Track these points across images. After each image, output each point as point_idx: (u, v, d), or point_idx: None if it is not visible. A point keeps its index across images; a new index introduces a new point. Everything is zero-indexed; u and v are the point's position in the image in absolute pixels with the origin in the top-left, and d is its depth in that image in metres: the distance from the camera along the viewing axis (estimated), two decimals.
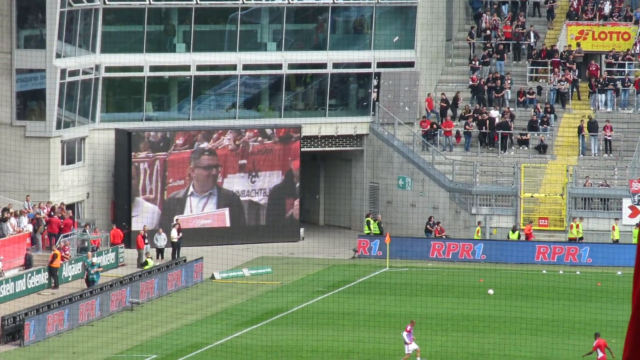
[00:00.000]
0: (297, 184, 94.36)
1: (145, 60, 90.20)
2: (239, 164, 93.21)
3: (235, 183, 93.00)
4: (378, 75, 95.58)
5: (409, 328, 65.14)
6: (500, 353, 65.59)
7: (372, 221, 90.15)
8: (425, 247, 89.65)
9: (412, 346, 63.82)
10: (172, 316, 72.62)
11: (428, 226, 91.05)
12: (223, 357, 65.79)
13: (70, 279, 77.66)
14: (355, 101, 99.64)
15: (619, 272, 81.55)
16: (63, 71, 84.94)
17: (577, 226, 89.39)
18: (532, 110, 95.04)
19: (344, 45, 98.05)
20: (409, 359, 64.54)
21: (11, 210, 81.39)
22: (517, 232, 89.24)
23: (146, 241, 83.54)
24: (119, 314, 72.09)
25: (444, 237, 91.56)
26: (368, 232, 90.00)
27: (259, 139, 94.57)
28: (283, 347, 67.36)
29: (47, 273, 76.63)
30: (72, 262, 79.11)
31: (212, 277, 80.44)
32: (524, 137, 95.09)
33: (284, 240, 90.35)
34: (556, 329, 70.53)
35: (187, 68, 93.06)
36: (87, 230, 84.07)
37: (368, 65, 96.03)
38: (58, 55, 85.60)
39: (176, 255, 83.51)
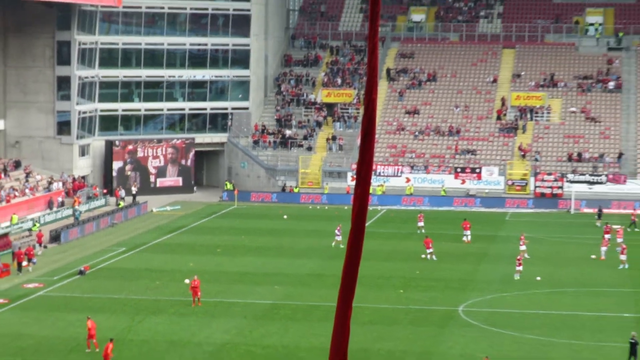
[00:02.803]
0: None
1: None
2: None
3: None
4: (232, 114, 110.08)
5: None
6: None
7: (228, 183, 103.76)
8: (250, 195, 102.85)
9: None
10: (132, 230, 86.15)
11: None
12: (161, 250, 77.97)
13: (88, 211, 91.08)
14: (221, 125, 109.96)
15: (346, 207, 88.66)
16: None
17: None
18: (308, 129, 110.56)
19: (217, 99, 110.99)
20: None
21: (55, 179, 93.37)
22: (297, 188, 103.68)
23: (121, 194, 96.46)
24: (106, 229, 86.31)
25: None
26: (227, 188, 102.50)
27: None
28: (187, 244, 79.88)
29: (72, 210, 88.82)
30: (84, 203, 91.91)
31: (152, 211, 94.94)
32: (303, 143, 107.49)
33: (186, 192, 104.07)
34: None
35: None
36: (95, 190, 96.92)
37: (226, 108, 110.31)
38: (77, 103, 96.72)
39: (134, 200, 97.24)
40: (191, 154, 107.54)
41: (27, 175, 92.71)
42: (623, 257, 71.74)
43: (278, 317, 57.90)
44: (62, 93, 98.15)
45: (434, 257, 74.40)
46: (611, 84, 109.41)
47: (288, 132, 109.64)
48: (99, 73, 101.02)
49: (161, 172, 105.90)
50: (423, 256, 74.45)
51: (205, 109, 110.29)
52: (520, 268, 67.82)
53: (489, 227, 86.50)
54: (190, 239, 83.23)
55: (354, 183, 11.78)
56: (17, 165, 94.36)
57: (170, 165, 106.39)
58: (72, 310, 57.80)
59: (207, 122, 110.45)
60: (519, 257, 69.55)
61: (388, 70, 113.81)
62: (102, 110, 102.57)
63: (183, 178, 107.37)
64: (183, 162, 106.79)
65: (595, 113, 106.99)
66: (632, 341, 48.36)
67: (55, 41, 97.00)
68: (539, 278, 67.10)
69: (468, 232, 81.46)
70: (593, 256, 73.79)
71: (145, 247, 79.56)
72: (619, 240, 76.40)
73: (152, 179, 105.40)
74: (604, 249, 74.01)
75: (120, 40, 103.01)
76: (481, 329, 55.10)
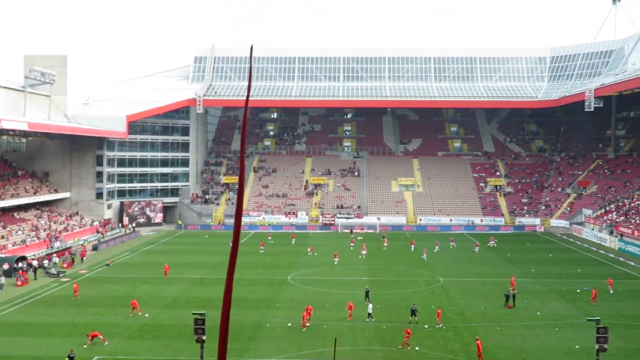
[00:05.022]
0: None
1: None
2: None
3: None
4: (181, 188, 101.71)
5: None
6: None
7: (179, 221, 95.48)
8: (188, 226, 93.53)
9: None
10: (132, 244, 78.05)
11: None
12: (147, 253, 70.96)
13: (111, 235, 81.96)
14: (176, 194, 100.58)
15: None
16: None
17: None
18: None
19: (174, 181, 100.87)
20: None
21: (94, 220, 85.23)
22: (212, 222, 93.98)
23: (128, 225, 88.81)
24: (120, 244, 78.24)
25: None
26: (178, 223, 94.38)
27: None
28: (159, 250, 73.22)
29: (101, 235, 80.00)
30: (109, 232, 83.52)
31: (142, 234, 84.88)
32: (214, 201, 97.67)
33: (157, 225, 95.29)
34: None
35: None
36: (114, 225, 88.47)
37: (178, 186, 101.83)
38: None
39: (133, 229, 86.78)
40: (159, 207, 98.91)
41: (81, 219, 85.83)
42: (363, 252, 70.09)
43: (203, 284, 54.30)
44: (98, 179, 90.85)
45: (262, 248, 72.37)
46: (356, 173, 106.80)
47: (207, 196, 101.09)
48: (116, 170, 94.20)
49: (146, 216, 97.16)
50: (261, 250, 72.14)
51: (168, 186, 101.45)
52: (365, 252, 67.81)
53: (301, 239, 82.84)
54: (161, 247, 76.18)
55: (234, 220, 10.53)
56: (76, 214, 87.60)
57: (153, 213, 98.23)
58: (103, 283, 54.64)
59: (169, 192, 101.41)
60: (363, 246, 69.18)
61: (254, 167, 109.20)
62: (118, 188, 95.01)
63: (157, 218, 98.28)
64: (155, 211, 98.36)
65: (348, 186, 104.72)
66: (367, 290, 47.29)
67: (95, 154, 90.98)
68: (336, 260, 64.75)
69: (293, 240, 79.45)
70: (362, 254, 69.93)
71: (139, 251, 72.78)
72: (385, 240, 74.71)
73: (143, 219, 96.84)
74: (364, 252, 70.47)
75: (127, 154, 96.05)
76: (299, 287, 53.27)
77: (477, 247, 72.86)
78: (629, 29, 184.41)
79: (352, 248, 74.59)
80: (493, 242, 76.43)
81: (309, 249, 70.89)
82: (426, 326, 38.92)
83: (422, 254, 67.30)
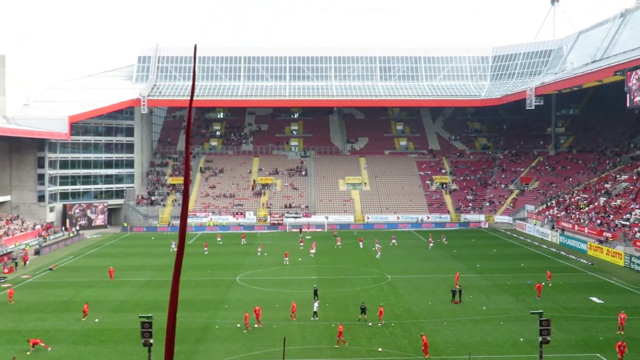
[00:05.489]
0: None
1: None
2: None
3: None
4: (126, 190, 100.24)
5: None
6: None
7: (125, 223, 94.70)
8: (133, 228, 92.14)
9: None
10: (76, 247, 76.53)
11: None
12: (92, 256, 69.55)
13: (54, 239, 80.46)
14: (121, 195, 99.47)
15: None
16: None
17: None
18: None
19: (119, 183, 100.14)
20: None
21: (37, 224, 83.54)
22: (158, 224, 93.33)
23: (72, 229, 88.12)
24: (63, 247, 76.81)
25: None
26: (124, 225, 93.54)
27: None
28: (104, 253, 72.53)
29: (44, 239, 78.62)
30: (51, 235, 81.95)
31: (86, 237, 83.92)
32: (161, 203, 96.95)
33: (103, 228, 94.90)
34: None
35: None
36: (57, 229, 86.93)
37: (123, 187, 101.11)
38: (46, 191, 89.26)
39: (77, 232, 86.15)
40: (100, 209, 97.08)
41: (22, 222, 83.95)
42: (313, 250, 69.99)
43: (150, 286, 53.50)
44: (40, 182, 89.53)
45: (206, 250, 71.13)
46: (303, 172, 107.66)
47: (153, 198, 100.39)
48: (59, 172, 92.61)
49: (87, 218, 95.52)
50: (205, 252, 70.84)
51: (113, 187, 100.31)
52: (314, 250, 67.57)
53: (250, 239, 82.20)
54: (106, 250, 74.94)
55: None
56: (17, 217, 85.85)
57: (94, 215, 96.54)
58: (46, 288, 53.47)
59: (114, 194, 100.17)
60: (313, 245, 68.68)
61: (201, 168, 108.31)
62: (60, 190, 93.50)
63: (98, 220, 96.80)
64: (100, 214, 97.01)
65: (296, 186, 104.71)
66: (315, 289, 47.40)
67: (36, 156, 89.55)
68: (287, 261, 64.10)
69: (243, 241, 78.85)
70: (312, 252, 70.04)
71: (84, 255, 71.45)
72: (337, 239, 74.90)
73: (84, 221, 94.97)
74: (313, 251, 70.04)
75: (70, 155, 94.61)
76: (248, 287, 52.94)
77: (430, 244, 73.04)
78: (567, 29, 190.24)
79: (301, 247, 74.77)
80: (443, 239, 77.11)
81: (258, 248, 70.33)
82: (370, 324, 39.23)
83: (376, 253, 66.91)
